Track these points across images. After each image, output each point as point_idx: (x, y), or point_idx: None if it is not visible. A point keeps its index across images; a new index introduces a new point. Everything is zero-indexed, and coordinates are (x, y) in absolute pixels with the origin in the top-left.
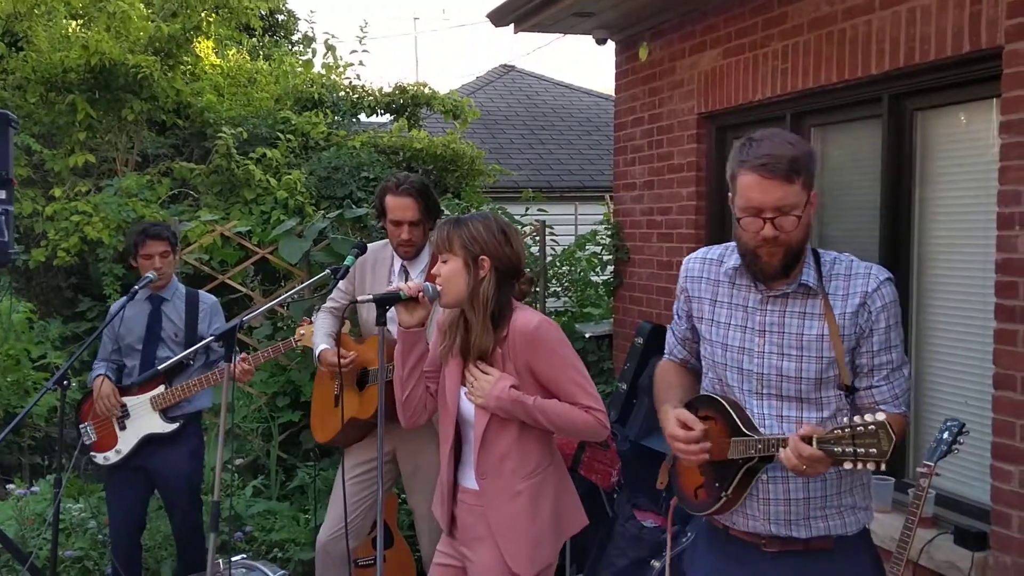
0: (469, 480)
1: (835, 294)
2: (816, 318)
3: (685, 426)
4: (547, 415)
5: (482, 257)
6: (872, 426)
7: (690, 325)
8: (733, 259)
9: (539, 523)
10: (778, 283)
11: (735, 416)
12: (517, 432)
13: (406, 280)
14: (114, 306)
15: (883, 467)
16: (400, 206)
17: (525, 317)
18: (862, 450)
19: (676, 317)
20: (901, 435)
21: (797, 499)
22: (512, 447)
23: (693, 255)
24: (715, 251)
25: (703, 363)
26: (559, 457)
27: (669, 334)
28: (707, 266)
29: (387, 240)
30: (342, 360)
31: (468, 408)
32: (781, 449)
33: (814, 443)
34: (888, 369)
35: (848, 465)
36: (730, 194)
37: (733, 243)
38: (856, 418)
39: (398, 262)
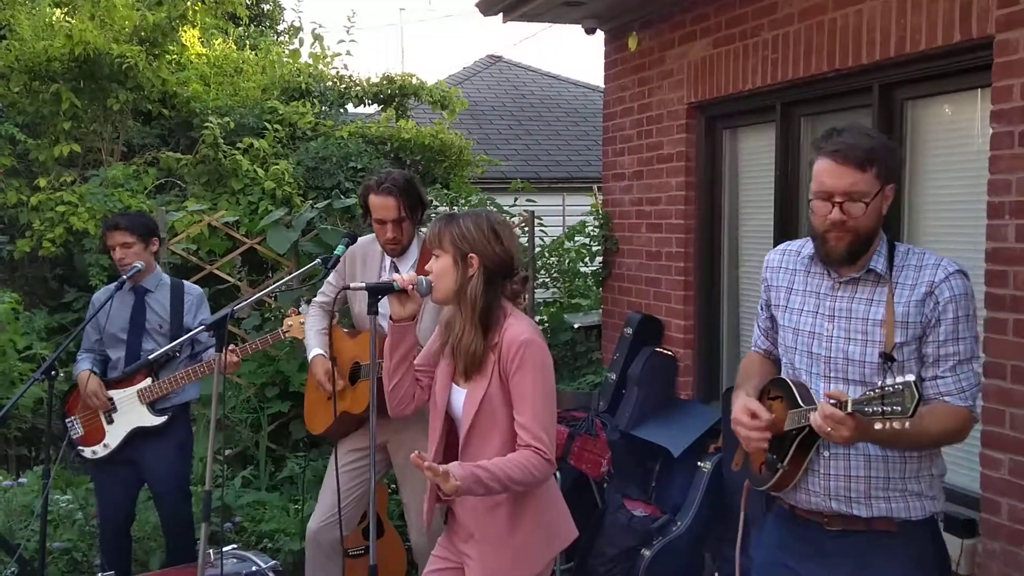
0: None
1: (903, 283)
2: (882, 305)
3: (753, 414)
4: (500, 470)
5: (471, 255)
6: (899, 385)
7: (770, 315)
8: (810, 248)
9: (520, 534)
10: (848, 270)
11: (797, 393)
12: (499, 444)
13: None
14: (98, 295)
15: (907, 424)
16: (383, 205)
17: (517, 329)
18: (888, 408)
19: (759, 309)
20: (958, 427)
21: (858, 476)
22: (494, 458)
23: (775, 248)
24: (795, 244)
25: (780, 349)
26: (551, 479)
27: (755, 326)
28: (786, 256)
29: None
30: (327, 385)
31: (457, 408)
32: (811, 413)
33: (849, 406)
34: (955, 360)
35: (878, 425)
36: (809, 182)
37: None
38: (888, 379)
39: (388, 258)
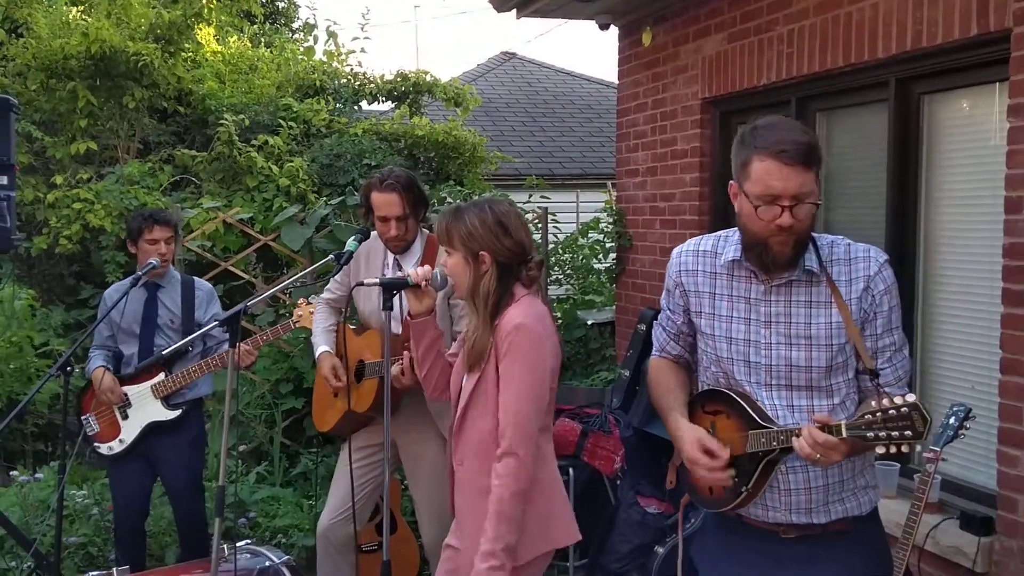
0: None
1: (839, 279)
2: (823, 305)
3: (709, 452)
4: (495, 520)
5: (482, 253)
6: (904, 408)
7: (686, 319)
8: (730, 251)
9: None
10: (780, 272)
11: (749, 409)
12: (491, 428)
13: (399, 272)
14: (109, 291)
15: (919, 448)
16: (386, 202)
17: (513, 313)
18: (896, 433)
19: (667, 312)
20: None
21: (817, 487)
22: (487, 441)
23: (683, 248)
24: (707, 242)
25: (702, 357)
26: (548, 471)
27: (658, 331)
28: (702, 259)
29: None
30: (334, 381)
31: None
32: (794, 439)
33: (844, 430)
34: (891, 351)
35: (881, 449)
36: (733, 183)
37: (724, 233)
38: (885, 401)
39: (391, 255)
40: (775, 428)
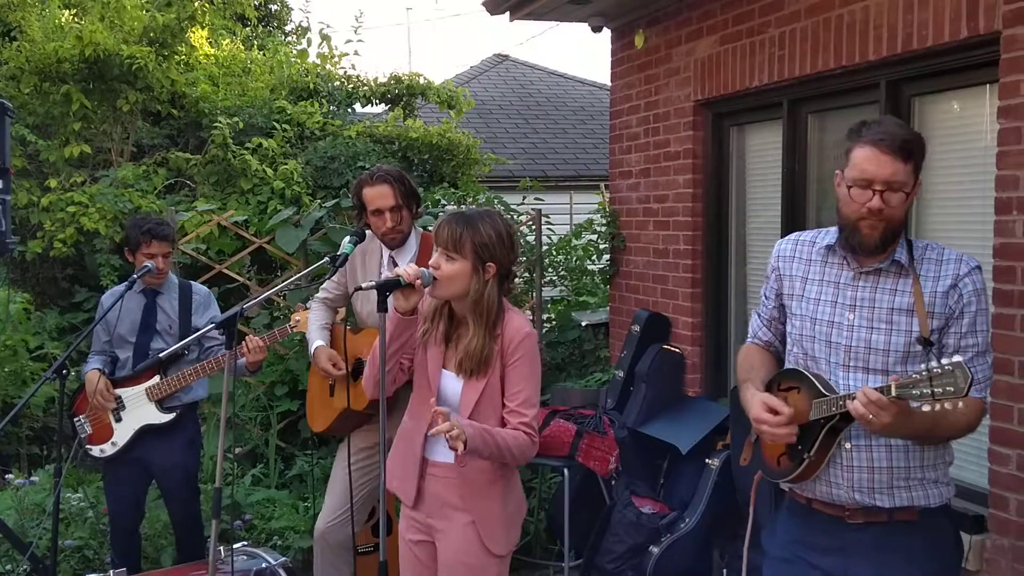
0: (440, 455)
1: (926, 275)
2: (906, 295)
3: (773, 411)
4: (502, 438)
5: (489, 264)
6: (949, 367)
7: (778, 304)
8: (827, 238)
9: (509, 509)
10: (871, 260)
11: (817, 383)
12: (495, 424)
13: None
14: (105, 296)
15: (960, 405)
16: (378, 195)
17: (518, 322)
18: (939, 389)
19: (763, 298)
20: (976, 419)
21: (881, 467)
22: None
23: (785, 238)
24: (807, 234)
25: (788, 340)
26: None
27: (754, 318)
28: (799, 246)
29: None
30: (332, 370)
31: (448, 393)
32: (849, 401)
33: (893, 389)
34: (973, 352)
35: (927, 407)
36: (838, 172)
37: (824, 229)
38: (933, 363)
39: (386, 252)
40: (836, 395)
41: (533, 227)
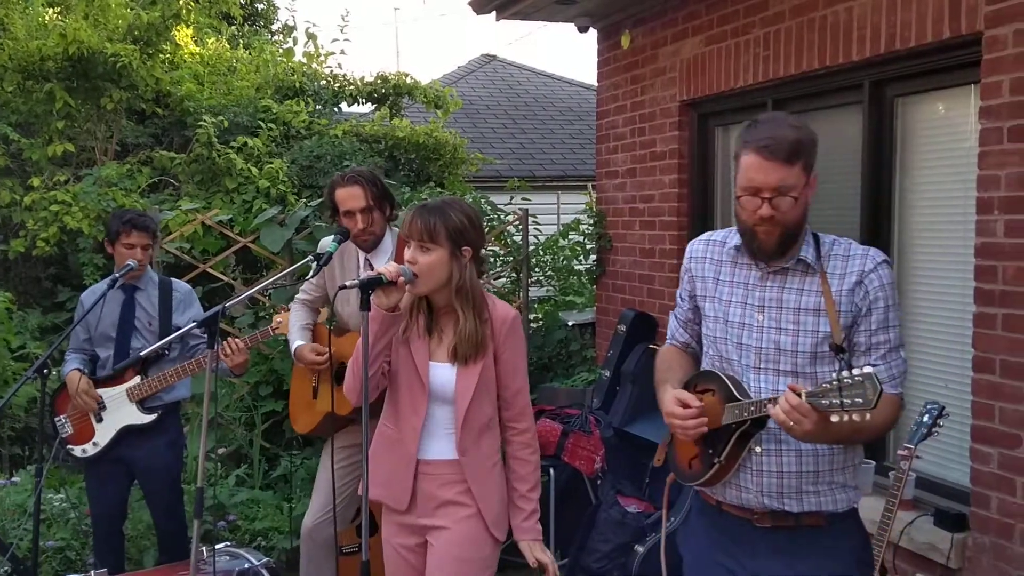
0: (432, 452)
1: (832, 272)
2: (813, 294)
3: (684, 404)
4: (532, 491)
5: (465, 248)
6: (859, 377)
7: (692, 306)
8: (735, 239)
9: (504, 492)
10: (777, 260)
11: (732, 387)
12: (491, 411)
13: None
14: (86, 294)
15: (868, 416)
16: (349, 195)
17: (503, 306)
18: (848, 400)
19: (679, 300)
20: (896, 416)
21: (790, 472)
22: (487, 425)
23: (697, 239)
24: (718, 234)
25: (704, 341)
26: None
27: (672, 319)
28: (710, 247)
29: None
30: (319, 358)
31: (440, 385)
32: (769, 406)
33: (804, 398)
34: (885, 348)
35: (835, 417)
36: (733, 174)
37: (734, 228)
38: (844, 372)
39: (363, 255)
40: (748, 401)
41: (520, 227)
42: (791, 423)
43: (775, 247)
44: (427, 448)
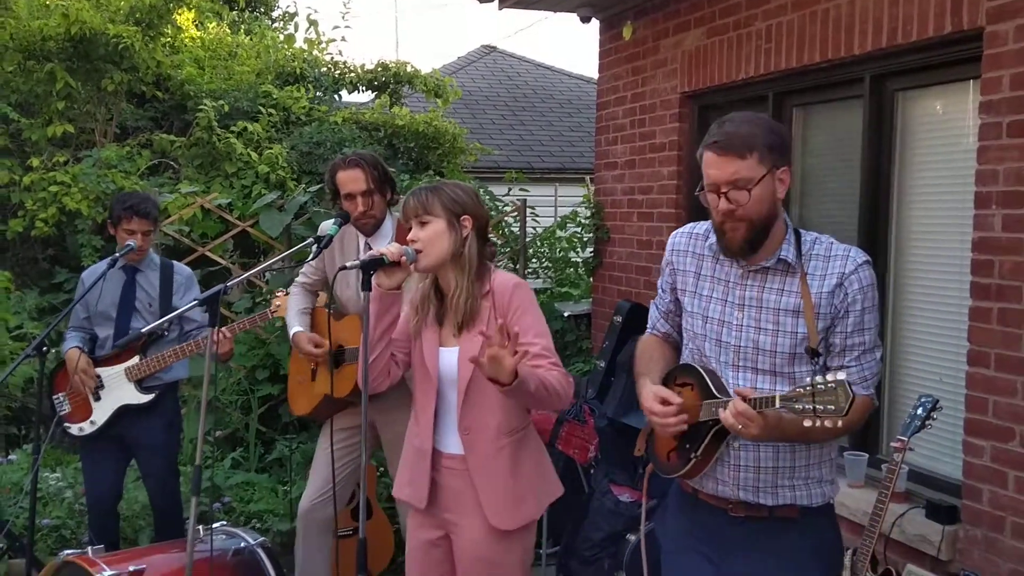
0: (451, 446)
1: (813, 273)
2: (793, 295)
3: (664, 401)
4: (543, 379)
5: (464, 216)
6: (832, 384)
7: (673, 298)
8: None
9: (521, 479)
10: (758, 258)
11: (710, 382)
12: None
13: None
14: (87, 272)
15: (840, 424)
16: (350, 178)
17: (504, 275)
18: (820, 407)
19: (660, 291)
20: (865, 417)
21: (767, 467)
22: (497, 405)
23: (680, 230)
24: (701, 226)
25: (684, 335)
26: (534, 427)
27: (652, 308)
28: (693, 240)
29: None
30: (316, 350)
31: (449, 369)
32: (720, 409)
33: (778, 401)
34: (860, 350)
35: (807, 422)
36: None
37: None
38: (817, 377)
39: (362, 239)
40: (725, 398)
41: (518, 218)
42: (739, 426)
43: (742, 243)
44: (443, 441)
